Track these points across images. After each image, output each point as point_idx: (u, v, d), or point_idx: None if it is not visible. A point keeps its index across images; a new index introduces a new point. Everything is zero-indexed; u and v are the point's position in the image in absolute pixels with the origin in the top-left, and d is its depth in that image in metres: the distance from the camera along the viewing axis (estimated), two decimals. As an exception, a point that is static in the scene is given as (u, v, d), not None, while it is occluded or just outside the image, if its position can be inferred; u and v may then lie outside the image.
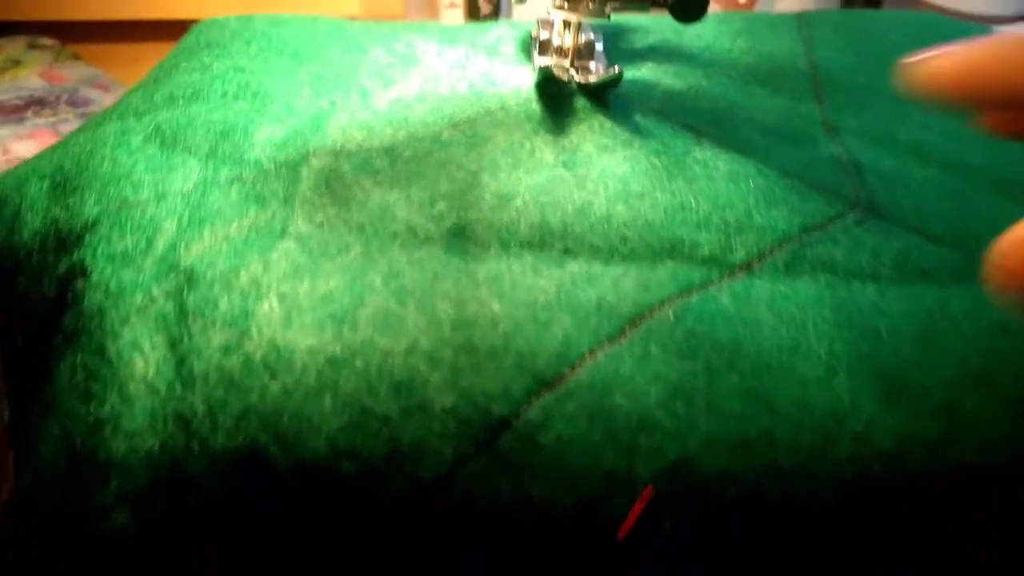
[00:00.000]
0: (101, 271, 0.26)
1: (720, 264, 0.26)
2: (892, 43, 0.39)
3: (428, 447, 0.22)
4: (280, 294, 0.24)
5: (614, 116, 0.32)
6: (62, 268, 0.27)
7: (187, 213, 0.27)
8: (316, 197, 0.28)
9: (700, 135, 0.31)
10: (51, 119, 0.68)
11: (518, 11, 0.74)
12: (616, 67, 0.33)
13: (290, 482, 0.22)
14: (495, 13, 0.77)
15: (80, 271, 0.26)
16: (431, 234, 0.27)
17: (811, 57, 0.38)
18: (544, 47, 0.36)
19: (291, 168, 0.29)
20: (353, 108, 0.32)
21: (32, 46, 0.78)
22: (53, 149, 0.32)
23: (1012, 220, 0.28)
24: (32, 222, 0.29)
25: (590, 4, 0.33)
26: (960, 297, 0.25)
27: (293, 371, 0.23)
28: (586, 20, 0.34)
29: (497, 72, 0.35)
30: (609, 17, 0.33)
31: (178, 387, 0.23)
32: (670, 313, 0.24)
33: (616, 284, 0.25)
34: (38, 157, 0.32)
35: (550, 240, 0.27)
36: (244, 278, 0.25)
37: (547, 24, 0.36)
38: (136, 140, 0.31)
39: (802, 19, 0.41)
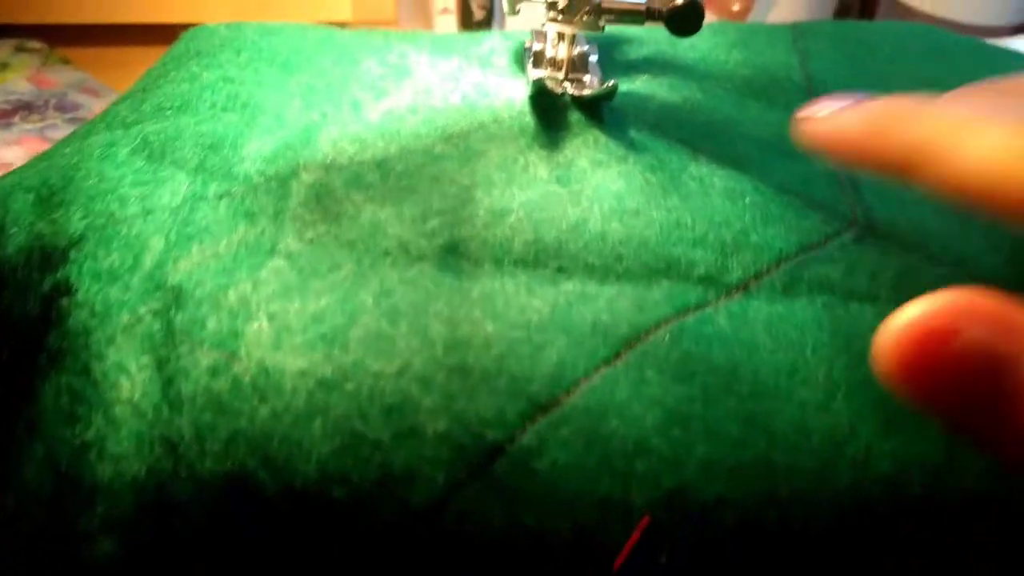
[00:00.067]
0: (86, 289, 0.25)
1: (716, 284, 0.26)
2: (886, 55, 0.39)
3: (420, 473, 0.21)
4: (269, 314, 0.24)
5: (609, 130, 0.32)
6: (47, 285, 0.26)
7: (175, 229, 0.27)
8: (306, 213, 0.27)
9: (696, 150, 0.31)
10: (39, 124, 0.67)
11: (511, 20, 0.73)
12: (611, 81, 0.32)
13: (279, 507, 0.22)
14: (488, 20, 0.77)
15: (65, 289, 0.26)
16: (423, 251, 0.26)
17: (806, 69, 0.37)
18: (538, 59, 0.35)
19: (281, 183, 0.29)
20: (344, 120, 0.32)
21: (20, 49, 0.77)
22: (39, 160, 0.32)
23: (1011, 239, 0.28)
24: (17, 237, 0.28)
25: (584, 16, 0.32)
26: None
27: (282, 394, 0.22)
28: (580, 32, 0.33)
29: (490, 84, 0.35)
30: (603, 29, 0.33)
31: (165, 410, 0.22)
32: (666, 335, 0.24)
33: (611, 304, 0.25)
34: (23, 169, 0.31)
35: (544, 258, 0.26)
36: (233, 297, 0.24)
37: (541, 36, 0.36)
38: (123, 153, 0.30)
39: (797, 30, 0.41)
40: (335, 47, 0.37)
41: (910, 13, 0.73)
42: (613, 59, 0.37)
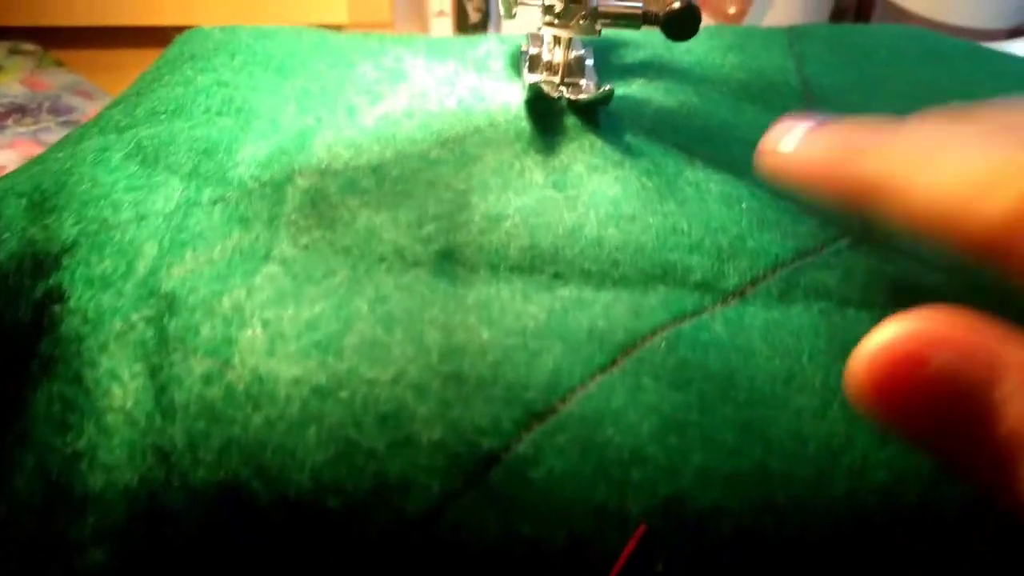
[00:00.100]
0: (79, 296, 0.25)
1: (713, 290, 0.25)
2: (882, 59, 0.39)
3: (415, 482, 0.21)
4: (264, 321, 0.24)
5: (605, 135, 0.32)
6: (39, 292, 0.26)
7: (168, 235, 0.26)
8: (301, 219, 0.27)
9: (692, 155, 0.31)
10: (32, 127, 0.67)
11: (507, 23, 0.73)
12: (607, 85, 0.32)
13: (273, 517, 0.21)
14: (484, 23, 0.77)
15: (57, 295, 0.25)
16: (419, 257, 0.26)
17: (802, 73, 0.37)
18: (534, 63, 0.35)
19: (276, 188, 0.28)
20: (340, 125, 0.32)
21: (13, 52, 0.77)
22: (31, 165, 0.31)
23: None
24: (9, 243, 0.28)
25: (580, 21, 0.32)
26: None
27: (277, 402, 0.22)
28: (577, 36, 0.33)
29: (486, 88, 0.35)
30: (600, 34, 0.32)
31: (158, 418, 0.22)
32: (663, 342, 0.24)
33: (608, 311, 0.25)
34: (15, 173, 0.31)
35: (540, 264, 0.26)
36: (227, 304, 0.24)
37: (537, 39, 0.36)
38: (116, 157, 0.30)
39: (792, 33, 0.41)
40: (330, 51, 0.37)
41: (906, 16, 0.73)
42: (609, 63, 0.37)
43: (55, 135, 0.66)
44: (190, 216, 0.27)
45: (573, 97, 0.33)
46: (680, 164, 0.30)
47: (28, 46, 0.78)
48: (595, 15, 0.32)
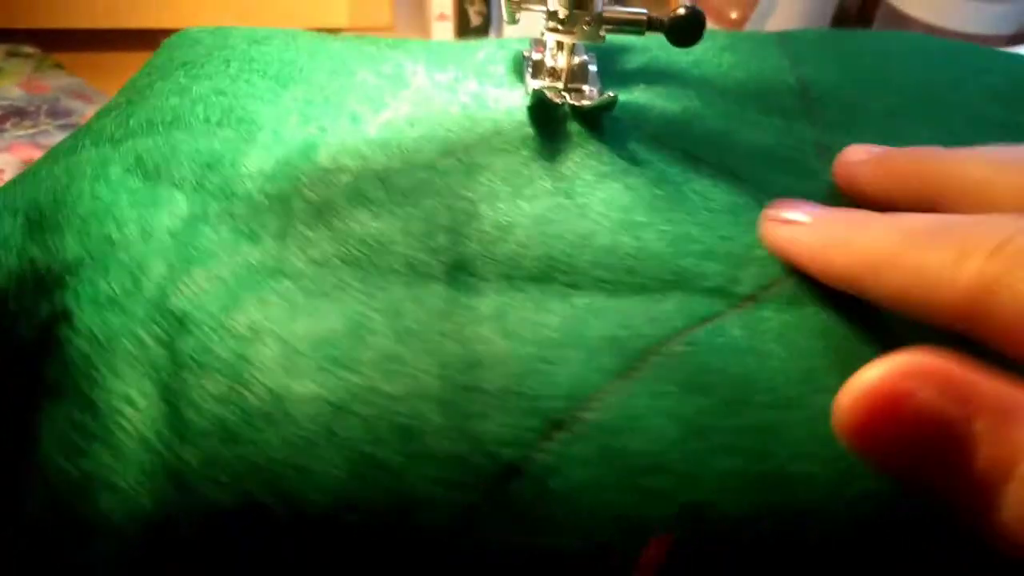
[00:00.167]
0: (86, 317, 0.24)
1: (727, 295, 0.25)
2: (871, 59, 0.39)
3: (435, 496, 0.21)
4: (277, 338, 0.23)
5: (610, 142, 0.31)
6: (42, 312, 0.25)
7: (176, 252, 0.26)
8: (310, 232, 0.27)
9: (697, 160, 0.31)
10: (31, 131, 0.66)
11: (508, 27, 0.73)
12: (611, 92, 0.32)
13: (291, 536, 0.21)
14: (485, 27, 0.77)
15: (63, 316, 0.25)
16: (431, 269, 0.26)
17: (797, 72, 0.37)
18: (537, 68, 0.35)
19: (283, 201, 0.28)
20: (344, 135, 0.31)
21: (12, 54, 0.76)
22: (23, 180, 0.31)
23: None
24: (7, 262, 0.27)
25: (585, 27, 0.32)
26: None
27: (293, 421, 0.22)
28: (580, 42, 0.33)
29: (489, 94, 0.34)
30: (604, 40, 0.32)
31: (172, 440, 0.22)
32: (681, 347, 0.24)
33: (624, 318, 0.24)
34: (6, 189, 0.30)
35: (554, 273, 0.26)
36: (239, 321, 0.24)
37: (540, 45, 0.36)
38: (116, 171, 0.29)
39: (780, 37, 0.41)
40: (328, 57, 0.37)
41: (907, 22, 0.73)
42: (608, 68, 0.37)
43: (54, 139, 0.65)
44: (197, 232, 0.27)
45: (577, 103, 0.33)
46: (686, 171, 0.30)
47: (27, 48, 0.77)
48: (599, 21, 0.32)
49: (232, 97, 0.33)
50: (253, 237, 0.27)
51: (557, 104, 0.33)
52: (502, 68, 0.37)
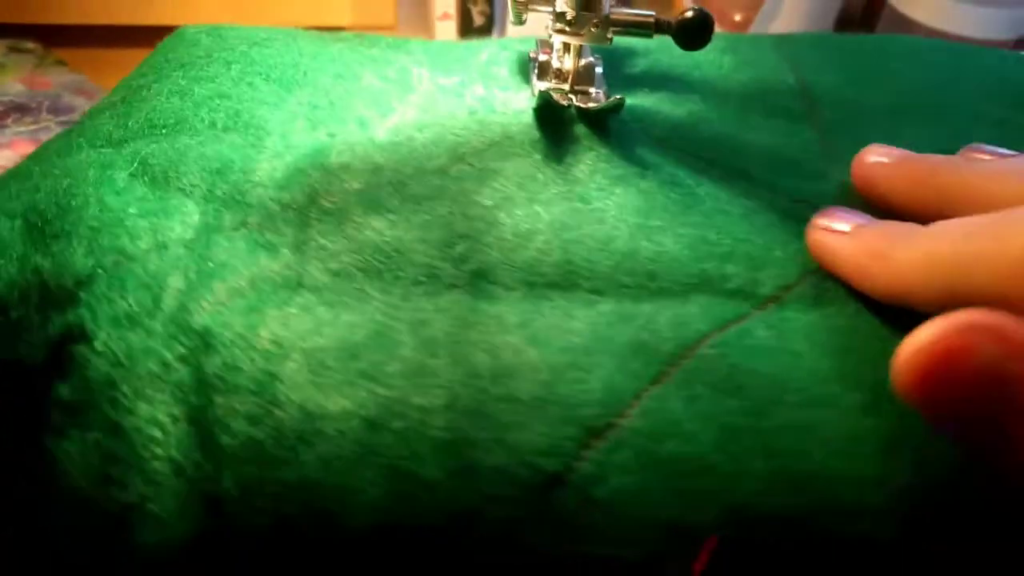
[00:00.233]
0: (105, 336, 0.23)
1: (750, 296, 0.26)
2: (867, 59, 0.40)
3: (479, 512, 0.21)
4: (304, 352, 0.23)
5: (619, 145, 0.31)
6: (54, 330, 0.24)
7: (194, 266, 0.25)
8: (328, 243, 0.26)
9: (707, 163, 0.31)
10: (32, 127, 0.64)
11: (510, 27, 0.73)
12: (618, 95, 0.32)
13: (332, 559, 0.21)
14: (488, 27, 0.76)
15: (80, 335, 0.24)
16: (454, 278, 0.26)
17: (798, 74, 0.38)
18: (543, 70, 0.35)
19: (299, 211, 0.27)
20: (353, 141, 0.31)
21: (14, 50, 0.73)
22: (16, 181, 0.29)
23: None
24: (8, 270, 0.26)
25: (592, 28, 0.32)
26: None
27: (328, 439, 0.21)
28: (587, 44, 0.33)
29: (496, 98, 0.34)
30: (611, 42, 0.32)
31: (206, 465, 0.21)
32: (710, 350, 0.24)
33: (651, 323, 0.24)
34: None
35: (577, 279, 0.26)
36: (264, 337, 0.23)
37: (546, 46, 0.36)
38: (121, 177, 0.28)
39: (774, 39, 0.42)
40: (331, 60, 0.36)
41: (910, 26, 0.73)
42: (612, 70, 0.37)
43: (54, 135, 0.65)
44: (213, 243, 0.26)
45: (583, 105, 0.33)
46: (696, 174, 0.30)
47: (29, 44, 0.75)
48: (607, 23, 0.32)
49: (236, 101, 0.32)
50: (270, 248, 0.26)
51: (563, 106, 0.33)
52: (506, 69, 0.37)
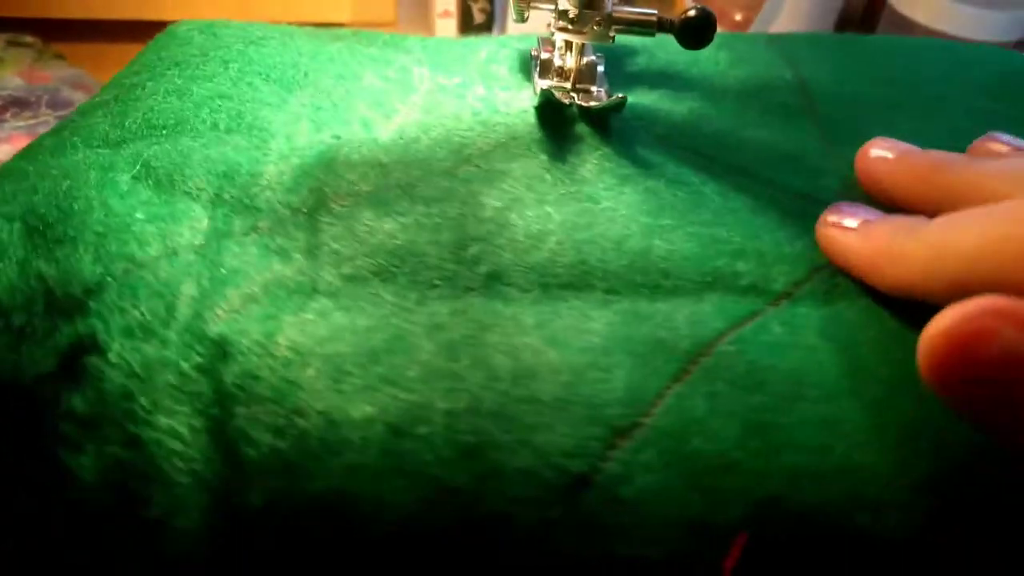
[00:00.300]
0: (119, 348, 0.23)
1: (763, 293, 0.26)
2: (862, 58, 0.40)
3: (507, 515, 0.20)
4: (324, 359, 0.22)
5: (623, 144, 0.31)
6: (62, 339, 0.24)
7: (206, 272, 0.24)
8: (340, 247, 0.26)
9: (710, 161, 0.31)
10: (30, 121, 0.62)
11: (511, 24, 0.73)
12: (620, 93, 0.32)
13: (358, 570, 0.20)
14: (489, 24, 0.76)
15: (92, 346, 0.23)
16: (468, 281, 0.25)
17: (794, 68, 0.38)
18: (545, 68, 0.35)
19: (309, 215, 0.27)
20: (359, 142, 0.30)
21: (13, 44, 0.71)
22: (11, 182, 0.28)
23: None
24: (7, 274, 0.25)
25: (594, 27, 0.32)
26: None
27: (353, 446, 0.21)
28: (590, 42, 0.33)
29: (498, 98, 0.34)
30: (614, 40, 0.32)
31: (232, 480, 0.21)
32: (728, 347, 0.24)
33: (668, 321, 0.24)
34: None
35: (591, 279, 0.26)
36: (282, 344, 0.23)
37: (548, 43, 0.35)
38: (124, 179, 0.27)
39: (771, 38, 0.42)
40: (331, 60, 0.36)
41: (911, 27, 0.73)
42: (611, 68, 0.37)
43: (45, 131, 0.64)
44: (224, 249, 0.25)
45: (585, 104, 0.33)
46: (701, 172, 0.31)
47: (28, 38, 0.73)
48: (610, 21, 0.32)
49: (238, 102, 0.32)
50: (282, 253, 0.26)
51: (565, 104, 0.33)
52: (505, 68, 0.37)
